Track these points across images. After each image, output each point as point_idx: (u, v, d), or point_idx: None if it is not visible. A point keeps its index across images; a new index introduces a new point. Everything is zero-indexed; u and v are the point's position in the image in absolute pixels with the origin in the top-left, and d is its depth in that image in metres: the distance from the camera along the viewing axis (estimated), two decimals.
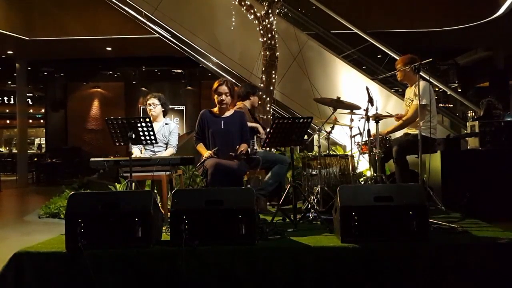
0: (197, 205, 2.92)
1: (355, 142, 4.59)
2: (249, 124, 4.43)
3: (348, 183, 4.24)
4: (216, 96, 4.03)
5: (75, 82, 15.64)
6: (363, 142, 4.42)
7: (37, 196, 9.70)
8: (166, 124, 4.50)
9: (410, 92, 4.52)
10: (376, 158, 4.05)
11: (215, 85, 4.04)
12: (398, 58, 4.67)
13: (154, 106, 4.48)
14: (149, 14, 7.01)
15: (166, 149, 4.44)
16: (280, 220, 3.75)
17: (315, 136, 4.70)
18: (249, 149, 4.01)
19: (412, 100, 4.38)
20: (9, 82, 16.98)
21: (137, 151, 4.33)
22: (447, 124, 7.84)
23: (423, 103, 4.22)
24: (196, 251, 2.77)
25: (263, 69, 6.50)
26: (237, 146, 3.90)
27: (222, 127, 4.02)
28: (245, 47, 7.08)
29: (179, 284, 2.74)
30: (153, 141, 3.71)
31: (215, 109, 4.12)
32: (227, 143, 3.93)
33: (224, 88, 4.00)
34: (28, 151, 15.20)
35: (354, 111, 4.48)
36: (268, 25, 6.44)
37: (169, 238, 2.92)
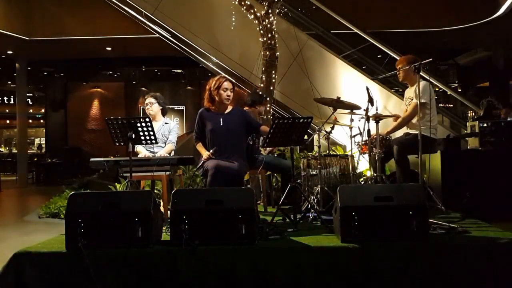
0: (197, 205, 2.92)
1: (355, 142, 4.59)
2: None
3: (348, 183, 4.23)
4: (221, 92, 3.92)
5: (75, 82, 15.62)
6: (363, 142, 4.42)
7: (37, 196, 9.69)
8: (165, 123, 4.51)
9: (410, 91, 4.51)
10: (376, 158, 4.05)
11: (217, 82, 3.95)
12: (398, 58, 4.67)
13: (150, 105, 4.51)
14: (149, 14, 7.01)
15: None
16: (280, 220, 3.75)
17: (315, 136, 4.70)
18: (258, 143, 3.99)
19: (412, 99, 4.38)
20: (9, 82, 16.99)
21: (143, 150, 4.35)
22: (447, 124, 7.84)
23: (422, 101, 4.21)
24: (196, 251, 2.77)
25: (263, 69, 6.50)
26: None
27: (221, 124, 3.95)
28: (245, 47, 7.07)
29: (179, 284, 2.74)
30: (153, 141, 3.70)
31: (213, 107, 4.04)
32: (226, 141, 3.88)
33: (229, 84, 3.97)
34: (28, 151, 15.19)
35: (354, 111, 4.48)
36: (268, 25, 6.44)
37: (169, 238, 2.92)
